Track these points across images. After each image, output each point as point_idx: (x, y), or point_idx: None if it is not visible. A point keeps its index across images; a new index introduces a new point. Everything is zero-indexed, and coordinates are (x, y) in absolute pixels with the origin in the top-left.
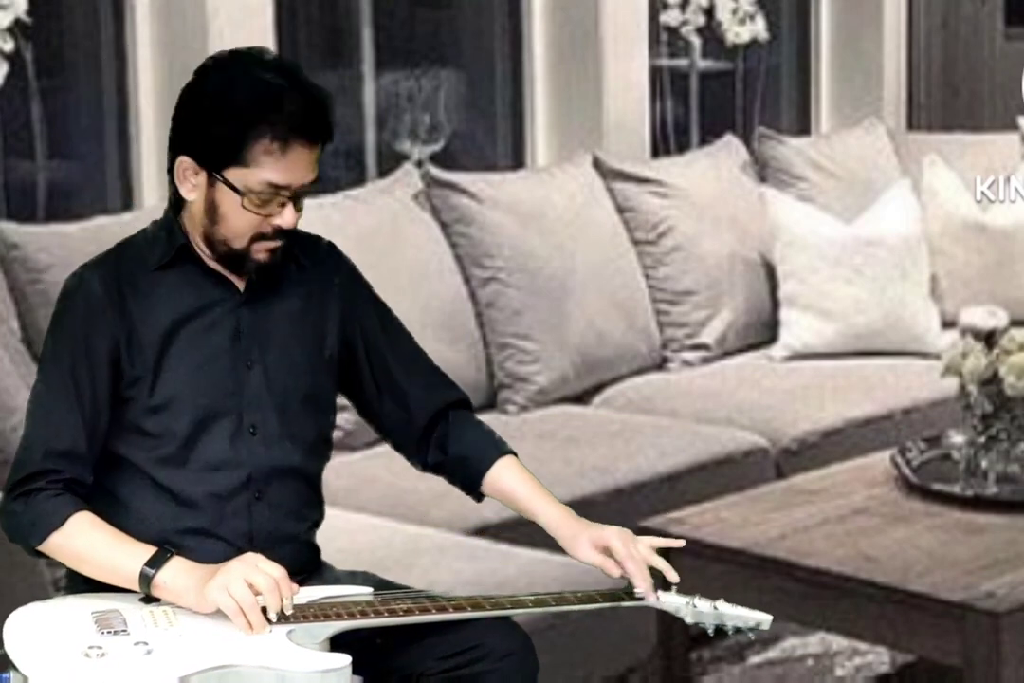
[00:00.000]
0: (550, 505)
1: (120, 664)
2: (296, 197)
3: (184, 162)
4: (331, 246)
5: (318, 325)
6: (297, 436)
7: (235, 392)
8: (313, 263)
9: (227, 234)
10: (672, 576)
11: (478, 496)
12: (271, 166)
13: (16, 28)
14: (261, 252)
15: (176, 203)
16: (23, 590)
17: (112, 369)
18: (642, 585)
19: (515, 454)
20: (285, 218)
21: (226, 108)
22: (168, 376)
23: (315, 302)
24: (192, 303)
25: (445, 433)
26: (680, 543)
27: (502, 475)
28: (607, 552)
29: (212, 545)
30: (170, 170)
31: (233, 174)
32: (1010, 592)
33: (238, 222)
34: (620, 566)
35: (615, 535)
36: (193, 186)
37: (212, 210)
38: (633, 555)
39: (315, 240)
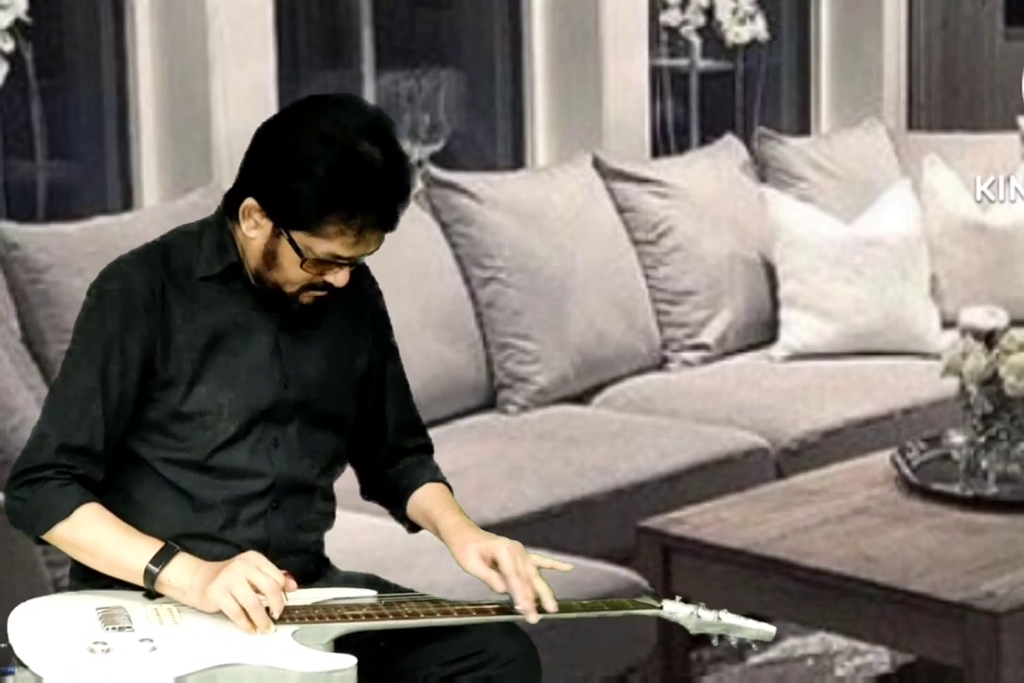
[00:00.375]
0: (454, 516)
1: (125, 660)
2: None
3: (253, 205)
4: (367, 271)
5: (351, 351)
6: (315, 454)
7: (268, 408)
8: (353, 290)
9: (279, 280)
10: (549, 604)
11: (408, 525)
12: (341, 243)
13: (16, 28)
14: (307, 298)
15: (228, 208)
16: (23, 590)
17: (143, 369)
18: (523, 603)
19: (448, 486)
20: (339, 279)
21: (309, 178)
22: (206, 385)
23: (351, 329)
24: (235, 316)
25: (395, 466)
26: (566, 567)
27: (423, 495)
28: (495, 565)
29: (223, 550)
30: (233, 202)
31: (300, 237)
32: (1010, 592)
33: (293, 275)
34: (504, 581)
35: (504, 548)
36: (256, 225)
37: (270, 257)
38: (519, 571)
39: (358, 267)
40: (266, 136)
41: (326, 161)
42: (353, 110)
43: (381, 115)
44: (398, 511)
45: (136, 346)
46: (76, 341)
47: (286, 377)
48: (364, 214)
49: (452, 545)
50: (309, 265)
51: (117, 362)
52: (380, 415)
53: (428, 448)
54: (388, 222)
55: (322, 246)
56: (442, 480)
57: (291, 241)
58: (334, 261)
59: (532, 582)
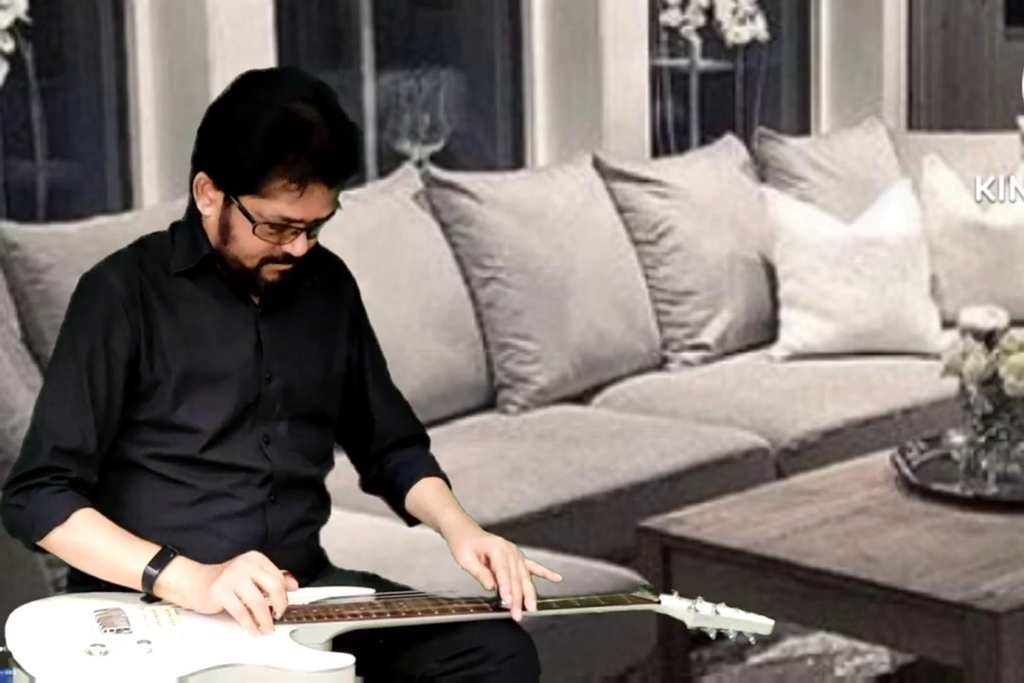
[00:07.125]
0: (453, 512)
1: (123, 662)
2: (311, 227)
3: (202, 178)
4: (342, 265)
5: (330, 343)
6: (306, 449)
7: (254, 403)
8: (326, 280)
9: (238, 254)
10: (530, 604)
11: (407, 518)
12: (286, 202)
13: (16, 28)
14: (271, 273)
15: (195, 209)
16: (23, 590)
17: (128, 369)
18: (507, 597)
19: (447, 480)
20: (296, 247)
21: (249, 139)
22: (191, 384)
23: (329, 320)
24: (214, 312)
25: (391, 457)
26: (556, 578)
27: (422, 490)
28: (488, 563)
29: (220, 545)
30: (191, 180)
31: (248, 202)
32: (1010, 592)
33: (248, 245)
34: (494, 577)
35: (497, 547)
36: (210, 201)
37: (225, 229)
38: (509, 568)
39: (329, 257)
40: (211, 112)
41: (264, 122)
42: (291, 79)
43: (322, 84)
44: (392, 499)
45: (120, 347)
46: (61, 346)
47: (269, 371)
48: (302, 165)
49: (450, 541)
50: (262, 231)
51: (102, 364)
52: (365, 406)
53: (423, 439)
54: (329, 173)
55: (269, 207)
56: (440, 475)
57: (241, 208)
58: (286, 224)
59: (521, 581)
